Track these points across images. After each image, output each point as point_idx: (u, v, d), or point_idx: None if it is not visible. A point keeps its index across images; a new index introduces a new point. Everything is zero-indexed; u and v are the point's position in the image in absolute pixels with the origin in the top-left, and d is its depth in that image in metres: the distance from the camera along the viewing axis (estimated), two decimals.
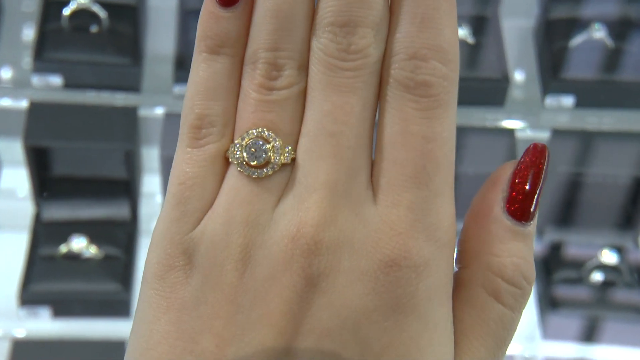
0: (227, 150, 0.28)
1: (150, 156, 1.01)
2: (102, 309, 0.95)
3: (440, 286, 0.26)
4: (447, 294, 0.26)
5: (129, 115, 0.94)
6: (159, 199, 1.03)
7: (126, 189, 1.00)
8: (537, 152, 0.28)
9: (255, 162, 0.27)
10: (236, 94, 0.28)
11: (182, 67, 0.93)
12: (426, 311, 0.25)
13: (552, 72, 0.94)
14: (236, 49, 0.27)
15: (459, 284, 0.27)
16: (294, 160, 0.27)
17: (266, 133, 0.27)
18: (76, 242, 0.94)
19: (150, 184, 1.03)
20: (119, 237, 0.98)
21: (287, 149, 0.27)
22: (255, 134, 0.27)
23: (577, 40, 0.95)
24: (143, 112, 0.96)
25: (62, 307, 0.95)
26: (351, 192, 0.26)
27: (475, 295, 0.27)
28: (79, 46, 0.93)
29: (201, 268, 0.26)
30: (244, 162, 0.27)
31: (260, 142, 0.27)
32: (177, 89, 0.94)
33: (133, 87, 0.95)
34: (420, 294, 0.25)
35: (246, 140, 0.27)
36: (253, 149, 0.27)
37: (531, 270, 0.27)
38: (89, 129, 0.92)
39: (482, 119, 0.95)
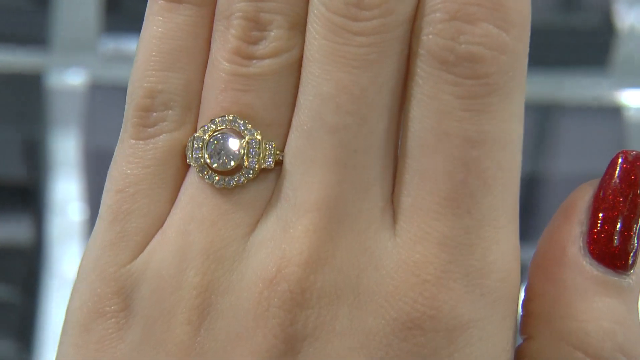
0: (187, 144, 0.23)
1: (65, 148, 0.75)
2: None
3: None
4: None
5: (30, 85, 0.71)
6: (77, 213, 0.75)
7: (25, 197, 0.72)
8: (629, 165, 0.23)
9: (220, 165, 0.22)
10: (205, 62, 0.23)
11: (115, 9, 0.70)
12: None
13: None
14: None
15: None
16: (279, 164, 0.22)
17: (239, 123, 0.22)
18: None
19: (65, 191, 0.75)
20: (14, 270, 0.72)
21: (268, 148, 0.22)
22: (222, 124, 0.22)
23: None
24: (53, 80, 0.71)
25: None
26: (358, 216, 0.21)
27: None
28: None
29: (141, 317, 0.22)
30: (206, 165, 0.22)
31: (230, 137, 0.22)
32: (108, 45, 0.70)
33: (36, 39, 0.70)
34: None
35: (209, 132, 0.22)
36: (217, 147, 0.22)
37: (633, 341, 0.22)
38: None
39: (573, 91, 0.69)
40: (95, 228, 0.24)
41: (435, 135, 0.21)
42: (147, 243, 0.23)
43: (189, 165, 0.23)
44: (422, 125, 0.21)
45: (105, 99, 0.69)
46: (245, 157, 0.22)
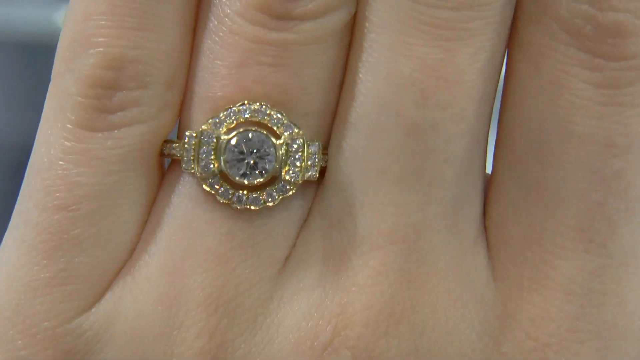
0: (169, 142, 0.16)
1: None
2: None
3: None
4: None
5: None
6: None
7: None
8: None
9: (247, 177, 0.16)
10: (190, 19, 0.16)
11: None
12: None
13: None
14: None
15: None
16: (323, 173, 0.16)
17: (271, 113, 0.16)
18: None
19: None
20: None
21: (313, 150, 0.16)
22: (245, 114, 0.16)
23: None
24: None
25: None
26: (445, 252, 0.16)
27: None
28: None
29: None
30: (220, 176, 0.16)
31: (260, 135, 0.16)
32: None
33: None
34: None
35: (224, 126, 0.16)
36: (242, 150, 0.16)
37: None
38: None
39: None
40: (6, 255, 0.17)
41: (561, 137, 0.16)
42: (108, 286, 0.16)
43: (171, 171, 0.17)
44: (541, 123, 0.16)
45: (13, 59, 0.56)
46: (285, 166, 0.16)
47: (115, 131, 0.16)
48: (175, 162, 0.17)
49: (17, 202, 0.17)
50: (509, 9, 0.16)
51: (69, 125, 0.16)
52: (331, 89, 0.16)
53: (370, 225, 0.16)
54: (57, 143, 0.17)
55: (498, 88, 0.17)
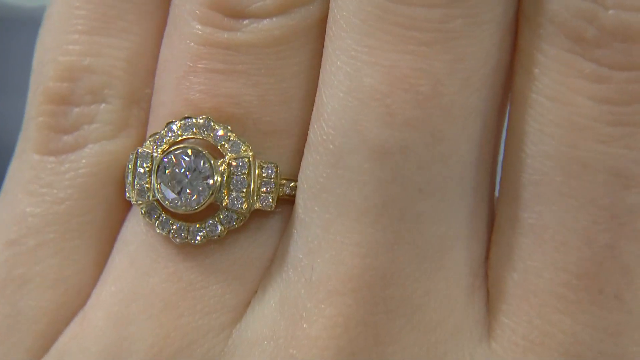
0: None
1: None
2: None
3: None
4: None
5: None
6: None
7: None
8: None
9: (181, 204, 0.14)
10: (162, 22, 0.14)
11: None
12: None
13: None
14: None
15: None
16: (285, 202, 0.14)
17: (215, 130, 0.14)
18: None
19: None
20: None
21: (267, 174, 0.14)
22: (187, 130, 0.14)
23: None
24: None
25: None
26: (425, 303, 0.13)
27: None
28: None
29: None
30: (157, 203, 0.14)
31: (199, 155, 0.14)
32: None
33: None
34: None
35: (164, 145, 0.14)
36: (176, 172, 0.14)
37: None
38: None
39: None
40: None
41: (562, 166, 0.13)
42: (57, 336, 0.14)
43: (130, 202, 0.15)
44: (539, 149, 0.13)
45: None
46: (225, 191, 0.14)
47: (69, 154, 0.15)
48: None
49: None
50: (504, 7, 0.13)
51: (27, 150, 0.15)
52: (298, 104, 0.14)
53: (328, 269, 0.13)
54: (17, 170, 0.15)
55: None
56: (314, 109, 0.14)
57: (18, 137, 0.15)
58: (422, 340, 0.13)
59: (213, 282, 0.14)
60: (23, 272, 0.14)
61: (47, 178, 0.14)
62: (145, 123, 0.15)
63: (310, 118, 0.14)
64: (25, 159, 0.15)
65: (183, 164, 0.14)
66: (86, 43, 0.14)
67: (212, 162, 0.14)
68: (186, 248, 0.14)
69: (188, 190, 0.14)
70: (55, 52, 0.15)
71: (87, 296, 0.15)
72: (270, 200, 0.14)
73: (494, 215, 0.14)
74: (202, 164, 0.14)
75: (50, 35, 0.15)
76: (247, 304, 0.14)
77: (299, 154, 0.14)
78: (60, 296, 0.15)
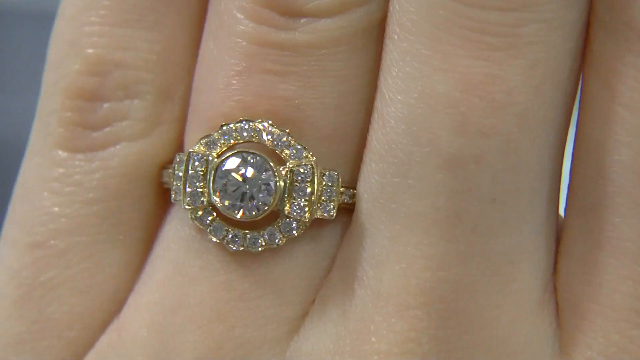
0: (167, 167, 0.14)
1: None
2: None
3: None
4: None
5: None
6: None
7: None
8: None
9: (240, 211, 0.13)
10: (200, 15, 0.14)
11: None
12: None
13: None
14: None
15: None
16: (345, 211, 0.13)
17: (274, 134, 0.13)
18: None
19: None
20: None
21: (328, 182, 0.13)
22: (242, 134, 0.13)
23: None
24: None
25: None
26: (495, 317, 0.13)
27: None
28: None
29: None
30: (210, 209, 0.13)
31: (258, 161, 0.13)
32: None
33: None
34: None
35: (217, 149, 0.13)
36: (234, 178, 0.13)
37: None
38: None
39: None
40: None
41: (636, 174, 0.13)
42: (90, 345, 0.14)
43: (170, 203, 0.14)
44: (616, 160, 0.13)
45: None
46: (287, 199, 0.13)
47: (99, 152, 0.14)
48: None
49: (2, 238, 0.15)
50: (578, 12, 0.13)
51: (49, 146, 0.14)
52: (355, 108, 0.14)
53: (398, 282, 0.13)
54: (36, 167, 0.14)
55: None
56: (376, 114, 0.13)
57: (11, 133, 0.14)
58: (493, 355, 0.13)
59: (268, 292, 0.13)
60: (52, 276, 0.14)
61: (75, 177, 0.14)
62: (178, 120, 0.14)
63: (365, 123, 0.14)
64: (48, 155, 0.14)
65: (243, 169, 0.13)
66: (115, 35, 0.14)
67: (274, 168, 0.13)
68: (238, 256, 0.13)
69: (248, 197, 0.13)
70: (79, 45, 0.14)
71: (121, 302, 0.14)
72: (332, 208, 0.13)
73: (561, 226, 0.14)
74: (264, 170, 0.13)
75: (71, 28, 0.14)
76: (304, 315, 0.14)
77: (354, 160, 0.14)
78: (92, 302, 0.14)
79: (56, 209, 0.14)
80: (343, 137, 0.14)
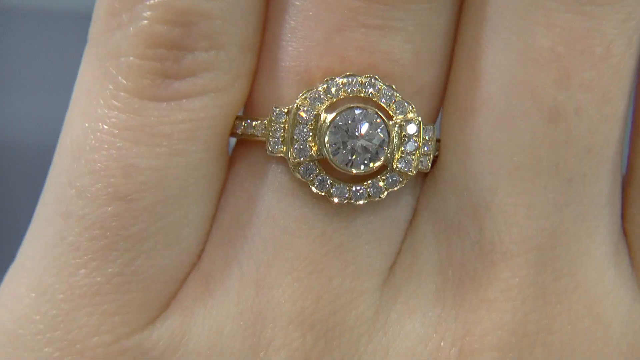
0: (241, 118, 0.14)
1: None
2: None
3: None
4: None
5: None
6: None
7: None
8: None
9: (353, 165, 0.13)
10: None
11: None
12: None
13: None
14: None
15: None
16: (434, 161, 0.14)
17: (383, 90, 0.13)
18: None
19: None
20: None
21: (425, 136, 0.13)
22: (350, 88, 0.13)
23: None
24: None
25: None
26: (585, 261, 0.13)
27: None
28: None
29: None
30: (314, 164, 0.13)
31: (372, 114, 0.13)
32: None
33: None
34: None
35: (326, 102, 0.13)
36: (349, 131, 0.13)
37: None
38: None
39: None
40: (35, 256, 0.14)
41: None
42: (172, 295, 0.14)
43: (241, 155, 0.14)
44: None
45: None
46: (397, 153, 0.13)
47: (184, 101, 0.13)
48: (247, 145, 0.14)
49: (45, 189, 0.14)
50: None
51: (122, 94, 0.13)
52: (443, 63, 0.14)
53: (500, 231, 0.13)
54: (106, 116, 0.13)
55: None
56: (466, 69, 0.13)
57: (10, 130, 0.14)
58: (581, 301, 0.13)
59: (364, 243, 0.14)
60: (139, 230, 0.13)
61: (160, 127, 0.13)
62: (252, 73, 0.14)
63: (448, 77, 0.14)
64: (124, 103, 0.13)
65: (356, 124, 0.13)
66: None
67: (387, 123, 0.13)
68: (332, 208, 0.14)
69: (363, 152, 0.13)
70: None
71: (200, 253, 0.14)
72: (428, 162, 0.14)
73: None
74: (376, 125, 0.13)
75: None
76: (392, 265, 0.14)
77: (437, 112, 0.14)
78: (178, 255, 0.14)
79: (141, 160, 0.13)
80: (432, 90, 0.14)
